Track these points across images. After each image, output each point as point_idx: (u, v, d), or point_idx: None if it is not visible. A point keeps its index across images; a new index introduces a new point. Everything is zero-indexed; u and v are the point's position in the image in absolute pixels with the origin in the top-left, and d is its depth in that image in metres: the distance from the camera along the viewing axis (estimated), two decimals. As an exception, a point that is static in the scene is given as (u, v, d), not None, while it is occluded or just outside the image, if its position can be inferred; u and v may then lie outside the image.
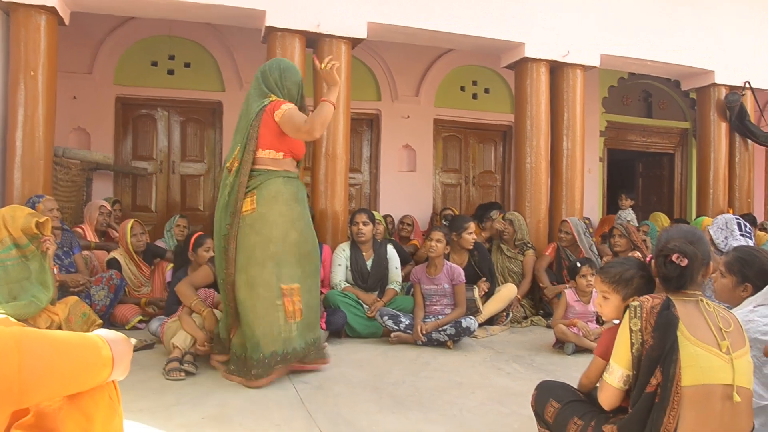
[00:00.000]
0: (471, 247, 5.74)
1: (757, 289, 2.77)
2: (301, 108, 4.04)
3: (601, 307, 2.57)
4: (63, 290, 4.90)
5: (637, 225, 7.90)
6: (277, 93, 4.00)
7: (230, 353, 3.94)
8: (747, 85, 8.05)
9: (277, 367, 3.77)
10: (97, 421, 1.36)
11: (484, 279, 5.72)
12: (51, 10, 5.49)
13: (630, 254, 5.86)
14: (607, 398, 2.22)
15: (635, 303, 2.17)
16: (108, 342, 1.37)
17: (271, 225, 3.82)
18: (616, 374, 2.17)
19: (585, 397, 2.45)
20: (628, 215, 8.64)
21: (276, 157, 3.93)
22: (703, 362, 2.06)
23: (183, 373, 3.86)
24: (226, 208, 3.89)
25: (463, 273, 5.23)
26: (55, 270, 4.60)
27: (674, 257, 2.20)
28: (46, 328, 3.96)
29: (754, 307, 2.71)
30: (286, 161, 3.98)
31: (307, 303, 3.92)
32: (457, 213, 8.35)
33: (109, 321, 5.34)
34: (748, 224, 5.08)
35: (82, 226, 6.26)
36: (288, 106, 3.88)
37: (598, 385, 2.34)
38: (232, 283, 3.85)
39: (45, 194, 5.35)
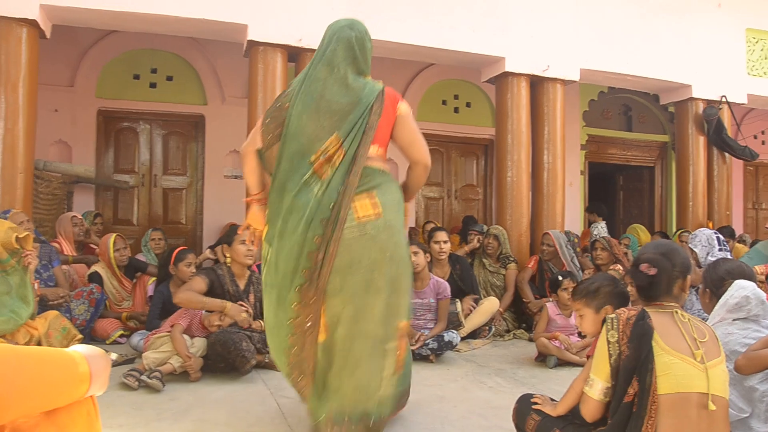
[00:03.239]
0: (441, 258, 5.78)
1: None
2: None
3: (581, 326, 2.68)
4: (43, 304, 4.83)
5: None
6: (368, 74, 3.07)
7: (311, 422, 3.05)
8: (724, 99, 8.18)
9: None
10: (75, 438, 1.35)
11: (473, 297, 5.75)
12: (32, 23, 5.47)
13: (612, 267, 5.90)
14: (589, 411, 2.25)
15: (612, 315, 2.21)
16: (85, 357, 1.36)
17: (401, 239, 2.95)
18: (597, 387, 2.20)
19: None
20: (601, 230, 8.59)
21: (384, 157, 3.00)
22: (677, 370, 2.10)
23: (137, 383, 3.80)
24: (314, 215, 2.80)
25: (449, 288, 5.23)
26: (35, 285, 4.55)
27: (642, 267, 2.25)
28: (25, 343, 3.91)
29: (733, 320, 2.76)
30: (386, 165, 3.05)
31: (407, 349, 3.11)
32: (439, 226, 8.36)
33: (90, 335, 5.26)
34: (722, 237, 5.28)
35: (58, 240, 6.16)
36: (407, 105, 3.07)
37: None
38: (317, 319, 2.84)
39: (13, 208, 5.20)
